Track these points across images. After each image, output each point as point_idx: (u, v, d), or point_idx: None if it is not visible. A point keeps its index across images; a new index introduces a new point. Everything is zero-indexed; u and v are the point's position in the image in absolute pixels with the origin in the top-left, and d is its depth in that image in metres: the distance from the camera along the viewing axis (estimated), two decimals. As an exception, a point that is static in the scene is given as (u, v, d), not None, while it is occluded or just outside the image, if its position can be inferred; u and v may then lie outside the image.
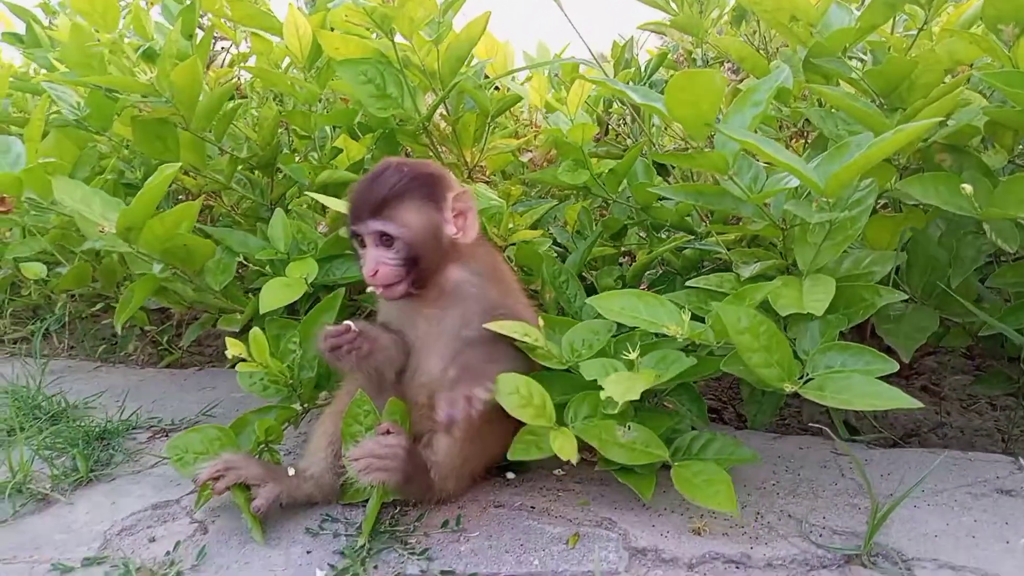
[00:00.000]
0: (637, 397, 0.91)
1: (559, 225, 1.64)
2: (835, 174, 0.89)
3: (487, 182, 1.56)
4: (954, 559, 0.89)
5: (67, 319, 2.15)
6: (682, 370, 0.96)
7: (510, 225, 1.42)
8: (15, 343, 2.15)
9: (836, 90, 1.08)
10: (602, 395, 0.93)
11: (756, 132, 0.93)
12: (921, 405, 0.83)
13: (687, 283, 1.14)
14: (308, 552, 1.02)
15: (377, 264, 1.04)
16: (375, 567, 0.97)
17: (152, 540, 1.07)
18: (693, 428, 1.11)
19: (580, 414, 1.03)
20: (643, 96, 0.97)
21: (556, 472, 1.19)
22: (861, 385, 0.84)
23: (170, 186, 1.71)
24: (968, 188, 0.96)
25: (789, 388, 0.90)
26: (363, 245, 1.07)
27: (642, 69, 1.84)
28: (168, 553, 1.03)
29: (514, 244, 1.43)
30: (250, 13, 1.48)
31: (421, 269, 1.06)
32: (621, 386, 0.91)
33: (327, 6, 1.50)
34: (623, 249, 1.61)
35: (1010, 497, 1.03)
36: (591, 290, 1.39)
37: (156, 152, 1.49)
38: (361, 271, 1.07)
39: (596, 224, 1.56)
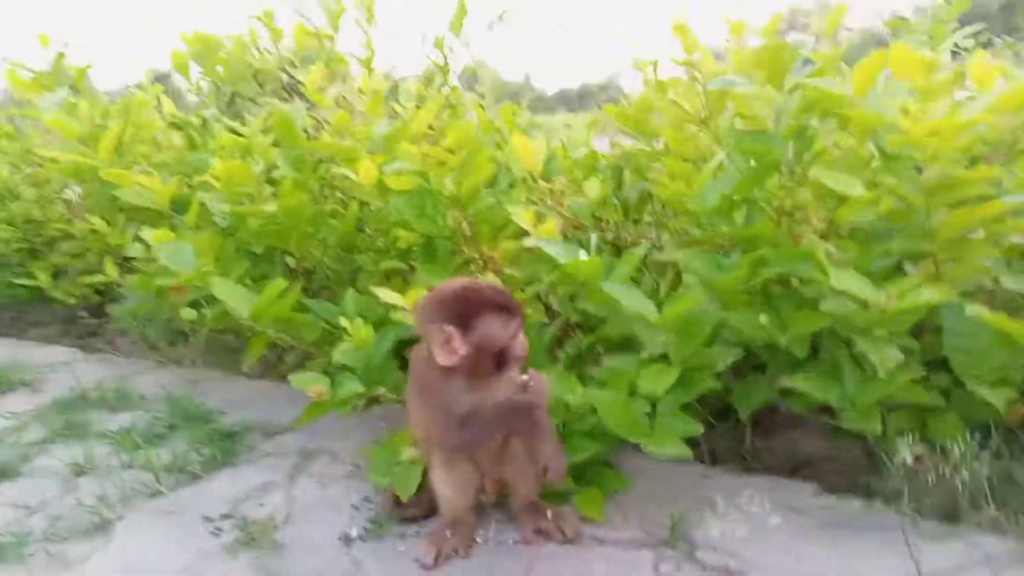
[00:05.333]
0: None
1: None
2: (668, 311, 1.48)
3: (497, 271, 2.18)
4: (725, 544, 1.46)
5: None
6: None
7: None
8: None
9: (692, 255, 1.64)
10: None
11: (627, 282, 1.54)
12: (687, 455, 1.43)
13: (605, 361, 1.73)
14: (351, 517, 1.67)
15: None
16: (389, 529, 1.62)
17: (261, 505, 1.76)
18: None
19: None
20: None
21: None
22: (669, 442, 1.44)
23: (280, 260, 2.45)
24: (763, 318, 1.52)
25: (634, 439, 1.49)
26: (516, 335, 1.42)
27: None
28: (269, 514, 1.71)
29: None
30: (336, 150, 2.17)
31: None
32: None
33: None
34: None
35: (795, 512, 1.57)
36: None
37: (276, 242, 2.21)
38: (509, 352, 1.41)
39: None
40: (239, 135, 2.74)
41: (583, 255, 1.60)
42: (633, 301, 1.50)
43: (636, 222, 2.57)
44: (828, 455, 1.91)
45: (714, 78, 1.75)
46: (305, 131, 2.45)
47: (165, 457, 1.98)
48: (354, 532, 1.62)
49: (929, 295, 1.35)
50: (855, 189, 1.46)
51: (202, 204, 2.27)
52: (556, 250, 1.63)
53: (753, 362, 1.76)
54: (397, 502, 1.66)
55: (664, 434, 1.48)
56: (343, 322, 1.78)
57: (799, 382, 1.50)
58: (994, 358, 1.50)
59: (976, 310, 1.39)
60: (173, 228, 2.28)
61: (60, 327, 3.48)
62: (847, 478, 1.75)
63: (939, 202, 1.41)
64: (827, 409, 1.67)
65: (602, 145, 2.78)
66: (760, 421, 1.87)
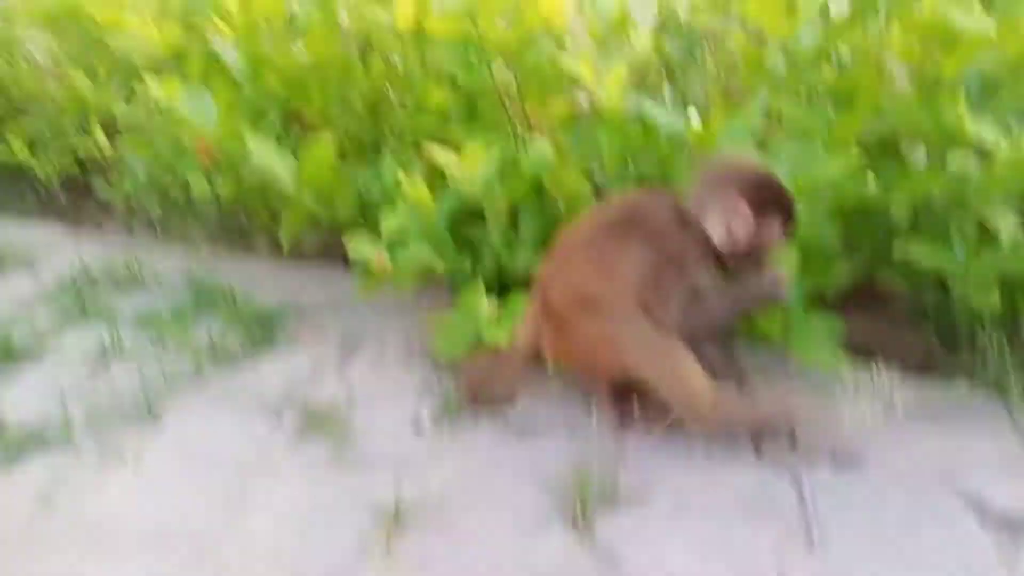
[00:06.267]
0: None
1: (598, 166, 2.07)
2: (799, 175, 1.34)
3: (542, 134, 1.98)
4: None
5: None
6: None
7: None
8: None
9: (798, 107, 1.48)
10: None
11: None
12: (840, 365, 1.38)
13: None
14: (418, 402, 1.57)
15: None
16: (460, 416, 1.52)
17: (317, 390, 1.64)
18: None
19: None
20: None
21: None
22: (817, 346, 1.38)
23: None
24: (873, 181, 1.39)
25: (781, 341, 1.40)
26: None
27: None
28: (330, 397, 1.60)
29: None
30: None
31: None
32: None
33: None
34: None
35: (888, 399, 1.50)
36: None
37: (298, 98, 1.97)
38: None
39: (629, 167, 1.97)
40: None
41: (695, 119, 1.42)
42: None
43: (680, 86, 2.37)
44: (891, 340, 1.82)
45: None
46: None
47: (200, 340, 1.84)
48: (426, 420, 1.52)
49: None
50: (986, 25, 1.29)
51: (210, 54, 2.00)
52: (659, 114, 1.46)
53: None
54: (475, 390, 1.55)
55: (806, 337, 1.38)
56: (401, 179, 1.59)
57: (913, 249, 1.38)
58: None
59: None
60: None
61: (37, 205, 3.20)
62: (913, 362, 1.68)
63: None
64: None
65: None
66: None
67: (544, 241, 1.79)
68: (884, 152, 1.55)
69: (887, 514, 1.20)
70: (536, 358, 1.49)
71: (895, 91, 1.59)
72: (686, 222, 1.32)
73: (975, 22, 1.32)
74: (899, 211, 1.45)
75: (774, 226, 1.29)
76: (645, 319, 1.31)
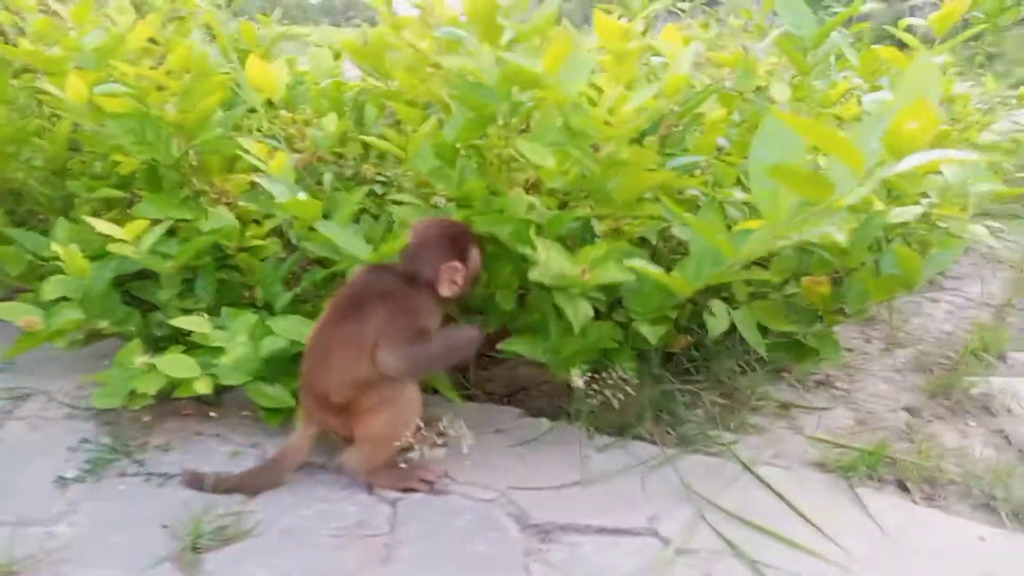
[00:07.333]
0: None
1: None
2: (382, 253, 1.62)
3: (230, 205, 2.14)
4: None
5: None
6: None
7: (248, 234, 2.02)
8: None
9: (408, 210, 1.79)
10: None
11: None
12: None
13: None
14: (67, 461, 1.65)
15: None
16: (107, 469, 1.62)
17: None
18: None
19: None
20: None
21: (244, 414, 1.87)
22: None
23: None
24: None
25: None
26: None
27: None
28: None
29: (244, 250, 2.04)
30: (38, 59, 1.97)
31: None
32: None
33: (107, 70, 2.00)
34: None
35: (495, 433, 1.83)
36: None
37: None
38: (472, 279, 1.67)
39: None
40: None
41: (302, 195, 1.66)
42: (348, 243, 1.62)
43: (381, 158, 2.65)
44: (539, 382, 2.19)
45: (444, 26, 1.84)
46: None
47: None
48: (70, 474, 1.60)
49: (613, 274, 1.62)
50: (547, 161, 1.64)
51: None
52: (277, 189, 1.69)
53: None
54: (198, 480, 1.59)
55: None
56: (56, 250, 1.68)
57: (513, 345, 1.74)
58: (654, 299, 1.79)
59: (635, 262, 1.68)
60: None
61: None
62: (549, 402, 2.04)
63: (613, 174, 1.66)
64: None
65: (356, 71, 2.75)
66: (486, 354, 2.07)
67: (220, 298, 1.96)
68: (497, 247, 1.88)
69: (455, 525, 1.51)
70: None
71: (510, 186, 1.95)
72: (412, 280, 1.59)
73: (540, 157, 1.67)
74: (505, 302, 1.81)
75: (476, 262, 1.67)
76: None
